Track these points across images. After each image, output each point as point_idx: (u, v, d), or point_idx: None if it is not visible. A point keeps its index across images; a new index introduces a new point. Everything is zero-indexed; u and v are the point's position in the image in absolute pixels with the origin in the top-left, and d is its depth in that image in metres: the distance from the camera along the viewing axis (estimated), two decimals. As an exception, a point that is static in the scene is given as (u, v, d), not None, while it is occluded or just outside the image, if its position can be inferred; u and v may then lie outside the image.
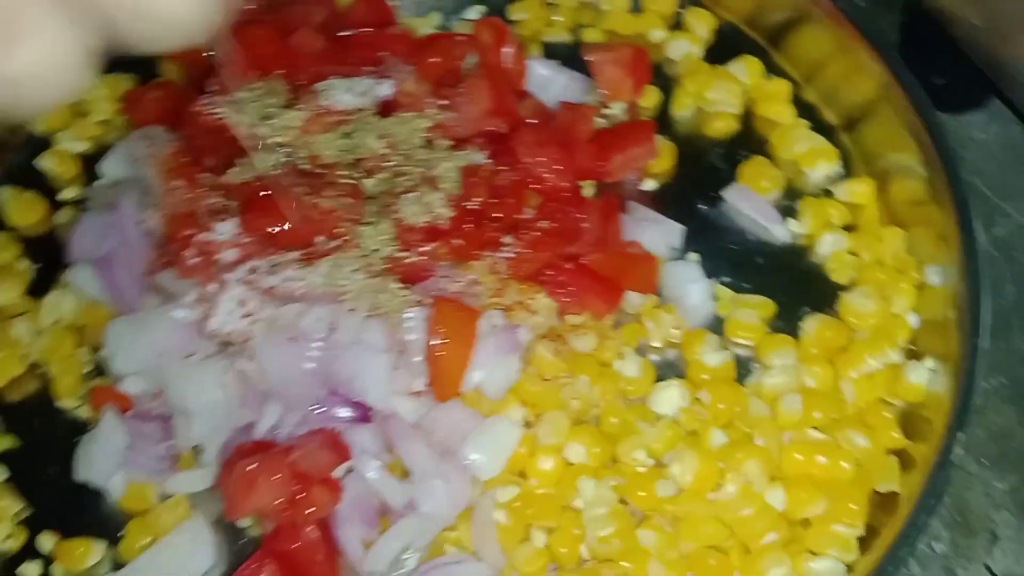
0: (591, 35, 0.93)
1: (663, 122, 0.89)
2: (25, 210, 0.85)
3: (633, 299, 0.80)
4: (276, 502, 0.67)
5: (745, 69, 0.90)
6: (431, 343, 0.70)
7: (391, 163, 0.75)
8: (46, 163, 0.87)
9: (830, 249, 0.83)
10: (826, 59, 0.89)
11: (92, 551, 0.74)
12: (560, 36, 0.93)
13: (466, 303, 0.73)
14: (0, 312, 0.82)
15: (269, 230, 0.71)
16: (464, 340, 0.71)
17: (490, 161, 0.77)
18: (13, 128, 0.88)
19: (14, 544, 0.75)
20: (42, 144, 0.89)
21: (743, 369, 0.79)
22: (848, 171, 0.87)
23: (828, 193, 0.86)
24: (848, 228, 0.84)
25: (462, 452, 0.71)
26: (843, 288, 0.82)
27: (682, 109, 0.90)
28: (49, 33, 0.34)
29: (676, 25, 0.94)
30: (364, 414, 0.72)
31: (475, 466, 0.71)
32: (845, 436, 0.74)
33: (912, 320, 0.80)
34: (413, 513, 0.70)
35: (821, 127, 0.89)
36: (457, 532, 0.72)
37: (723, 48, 0.93)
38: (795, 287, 0.82)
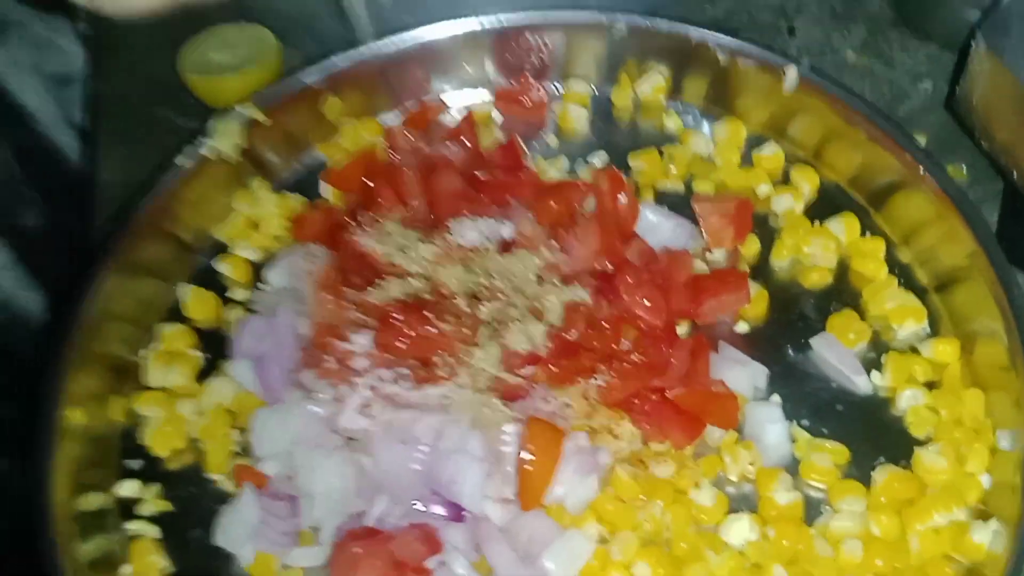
0: (702, 185, 1.02)
1: (761, 269, 0.97)
2: (202, 306, 1.00)
3: (714, 433, 0.87)
4: (374, 584, 0.78)
5: (843, 227, 0.97)
6: (520, 457, 0.79)
7: (504, 295, 0.86)
8: (222, 266, 1.03)
9: (910, 404, 0.88)
10: (922, 224, 0.95)
11: (221, 609, 0.86)
12: (674, 184, 1.03)
13: (556, 423, 0.82)
14: (171, 392, 0.96)
15: (395, 345, 0.83)
16: (550, 457, 0.80)
17: (590, 299, 0.87)
18: (199, 234, 1.05)
19: (158, 597, 0.88)
20: (221, 249, 1.04)
21: (814, 510, 0.84)
22: (935, 330, 0.92)
23: (914, 350, 0.91)
24: (930, 385, 0.89)
25: (540, 559, 0.79)
26: (919, 443, 0.86)
27: (780, 259, 0.97)
28: None
29: (783, 180, 1.02)
30: (458, 514, 0.82)
31: (550, 573, 0.79)
32: (903, 587, 0.78)
33: (985, 481, 0.83)
34: (492, 609, 0.79)
35: (913, 286, 0.94)
36: (530, 632, 0.80)
37: (825, 204, 1.00)
38: (872, 437, 0.87)
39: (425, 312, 0.83)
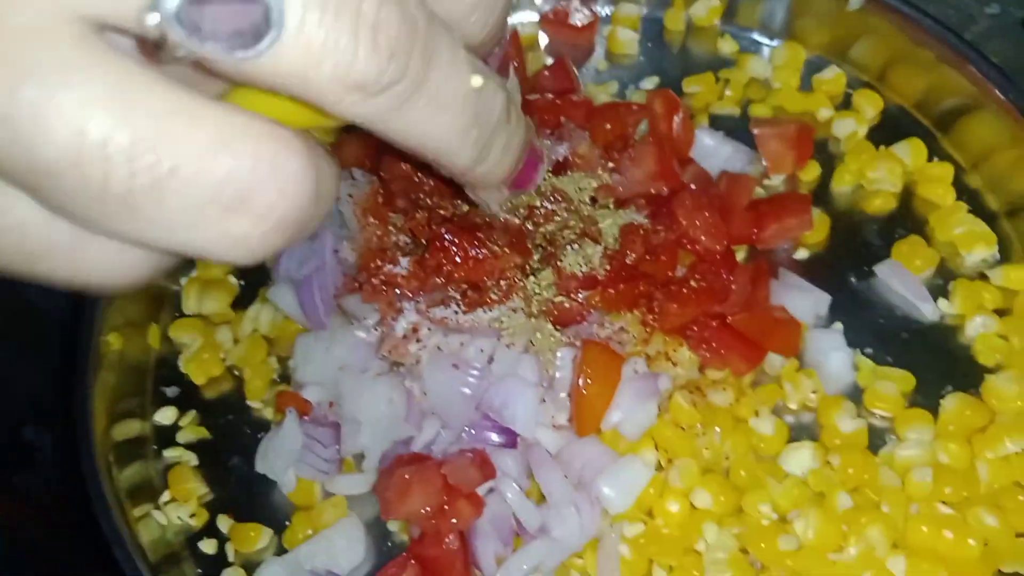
0: (759, 110, 0.98)
1: (822, 195, 0.93)
2: (240, 232, 0.97)
3: (774, 360, 0.84)
4: (425, 509, 0.75)
5: (909, 151, 0.93)
6: (577, 382, 0.76)
7: (558, 217, 0.82)
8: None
9: (979, 331, 0.84)
10: (993, 147, 0.90)
11: (261, 536, 0.84)
12: (729, 109, 0.98)
13: (613, 349, 0.79)
14: (208, 320, 0.94)
15: (444, 268, 0.80)
16: (607, 382, 0.77)
17: (648, 221, 0.83)
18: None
19: (197, 522, 0.86)
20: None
21: (878, 439, 0.81)
22: (1006, 257, 0.88)
23: (983, 276, 0.87)
24: (1000, 312, 0.85)
25: (595, 485, 0.76)
26: (989, 370, 0.83)
27: (842, 185, 0.93)
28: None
29: (844, 104, 0.98)
30: (511, 440, 0.79)
31: (606, 500, 0.76)
32: (975, 514, 0.74)
33: (1059, 408, 0.80)
34: (545, 536, 0.76)
35: (982, 212, 0.90)
36: (583, 560, 0.78)
37: (889, 129, 0.96)
38: (939, 365, 0.84)
39: (477, 234, 0.80)
